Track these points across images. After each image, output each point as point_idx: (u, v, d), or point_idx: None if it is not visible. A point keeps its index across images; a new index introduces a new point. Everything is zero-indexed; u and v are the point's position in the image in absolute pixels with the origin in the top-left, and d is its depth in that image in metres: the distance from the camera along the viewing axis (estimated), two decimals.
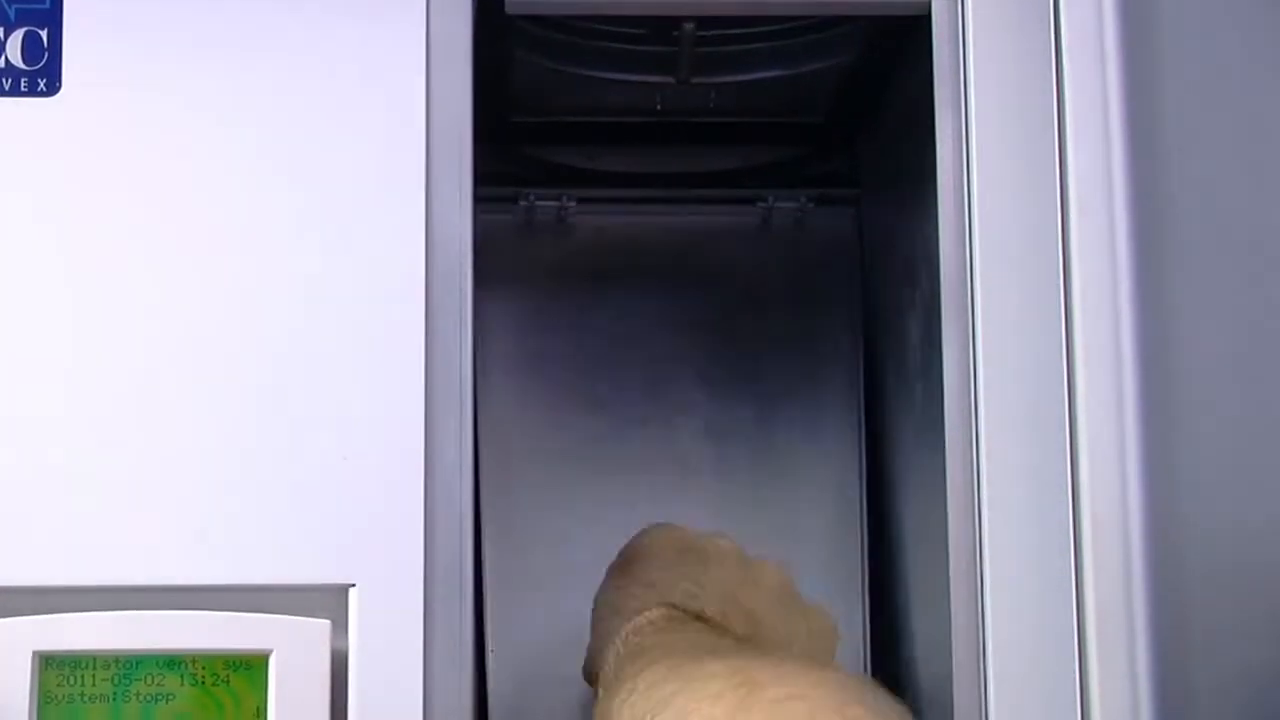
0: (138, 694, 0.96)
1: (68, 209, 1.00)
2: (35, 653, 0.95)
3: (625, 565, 1.24)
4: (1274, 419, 0.99)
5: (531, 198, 1.43)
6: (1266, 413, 0.99)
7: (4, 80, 1.01)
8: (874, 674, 1.40)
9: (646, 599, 1.18)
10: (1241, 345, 0.99)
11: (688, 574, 1.21)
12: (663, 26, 1.23)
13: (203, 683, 0.96)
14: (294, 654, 0.96)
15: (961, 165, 1.04)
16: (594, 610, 1.24)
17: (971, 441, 1.02)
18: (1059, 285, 1.00)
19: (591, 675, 1.20)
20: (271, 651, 0.96)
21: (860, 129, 1.42)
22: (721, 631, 1.15)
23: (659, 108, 1.36)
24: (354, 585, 0.97)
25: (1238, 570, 0.97)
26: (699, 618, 1.17)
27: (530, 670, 1.36)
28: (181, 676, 0.96)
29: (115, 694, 0.96)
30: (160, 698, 0.96)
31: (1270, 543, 0.98)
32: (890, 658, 1.36)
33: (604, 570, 1.31)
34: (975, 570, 1.01)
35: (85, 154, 1.00)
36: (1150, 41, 1.01)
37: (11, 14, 1.01)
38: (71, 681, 0.96)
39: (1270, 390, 0.99)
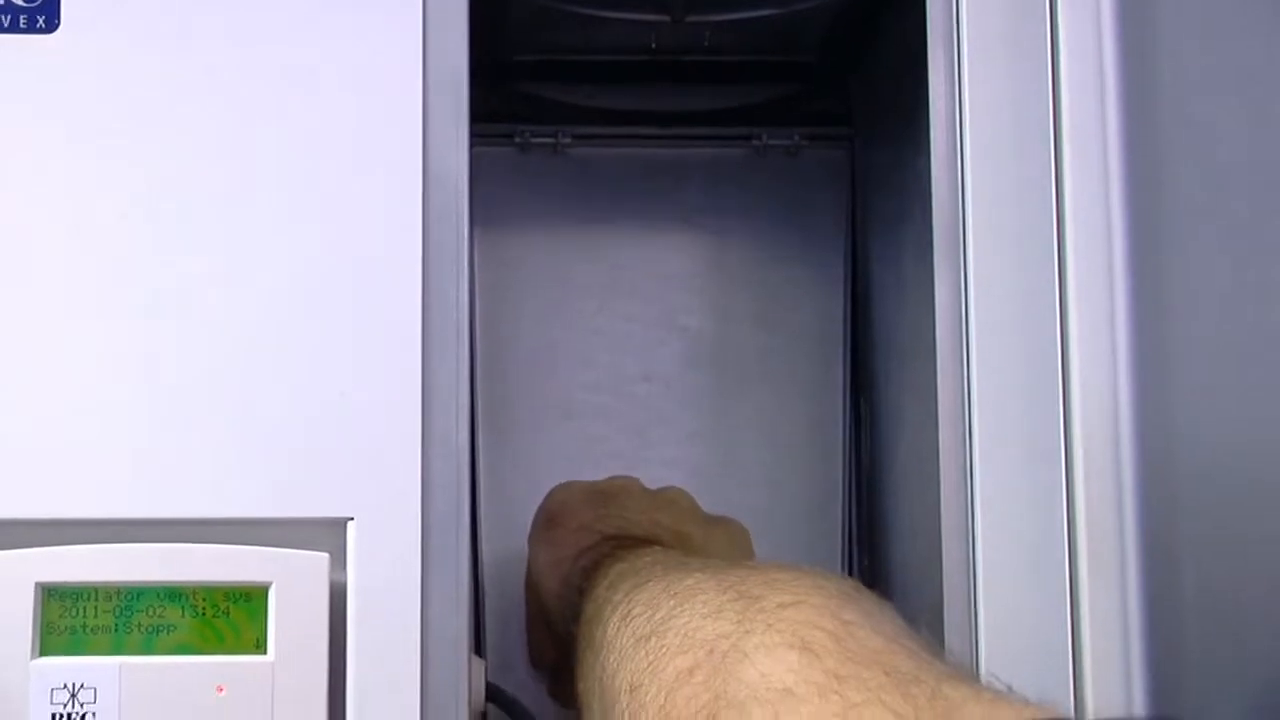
0: (139, 625, 0.95)
1: (66, 143, 1.00)
2: (38, 584, 0.94)
3: (547, 525, 1.24)
4: (1261, 334, 0.99)
5: (527, 134, 1.43)
6: (1253, 328, 0.99)
7: (4, 17, 1.00)
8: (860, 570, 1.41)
9: (583, 538, 1.19)
10: (1230, 262, 1.00)
11: (608, 512, 1.22)
12: None
13: (203, 614, 0.95)
14: (293, 586, 0.96)
15: (954, 102, 1.03)
16: (528, 588, 1.26)
17: (963, 368, 1.02)
18: (1052, 218, 1.00)
19: (538, 656, 1.25)
20: (271, 584, 0.95)
21: (853, 67, 1.41)
22: (669, 550, 1.16)
23: (654, 46, 1.35)
24: (352, 519, 0.97)
25: (1227, 479, 0.98)
26: (640, 543, 1.17)
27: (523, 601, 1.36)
28: (182, 608, 0.95)
29: (117, 625, 0.95)
30: (161, 629, 0.95)
31: (1258, 453, 0.99)
32: (877, 556, 1.38)
33: None
34: (966, 486, 1.01)
35: (83, 90, 1.00)
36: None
37: None
38: (74, 613, 0.95)
39: (1259, 305, 1.00)
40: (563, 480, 1.34)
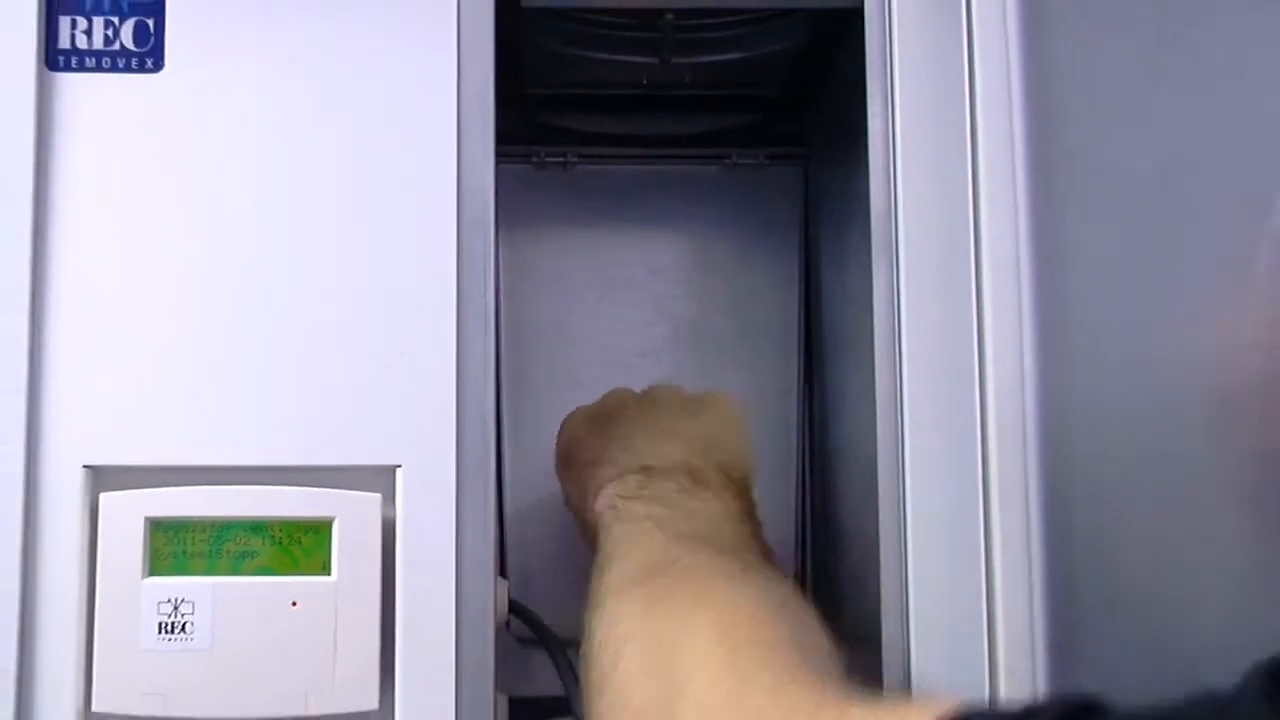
0: (228, 551, 0.99)
1: (170, 160, 1.03)
2: (146, 518, 0.98)
3: (564, 464, 1.25)
4: (1147, 321, 0.99)
5: (542, 154, 1.45)
6: (1140, 316, 0.99)
7: (119, 60, 1.02)
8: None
9: (589, 476, 1.18)
10: (1117, 261, 0.99)
11: (611, 438, 1.20)
12: (648, 17, 1.24)
13: (280, 542, 0.99)
14: (352, 520, 1.00)
15: (889, 129, 1.05)
16: (570, 448, 1.24)
17: (895, 352, 1.03)
18: (969, 225, 1.01)
19: (583, 513, 1.20)
20: (334, 518, 0.99)
21: (807, 101, 1.43)
22: (691, 495, 1.13)
23: (645, 82, 1.37)
24: (400, 466, 1.00)
25: (1115, 426, 0.98)
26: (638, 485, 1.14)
27: (538, 532, 1.39)
28: (264, 538, 0.99)
29: (211, 551, 0.99)
30: (247, 554, 0.99)
31: (1144, 423, 0.98)
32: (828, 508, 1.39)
33: None
34: (898, 453, 1.03)
35: (182, 118, 1.03)
36: (1045, 30, 1.01)
37: (125, 7, 1.02)
38: (176, 542, 0.99)
39: (1145, 295, 0.99)
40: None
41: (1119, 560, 0.98)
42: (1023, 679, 0.97)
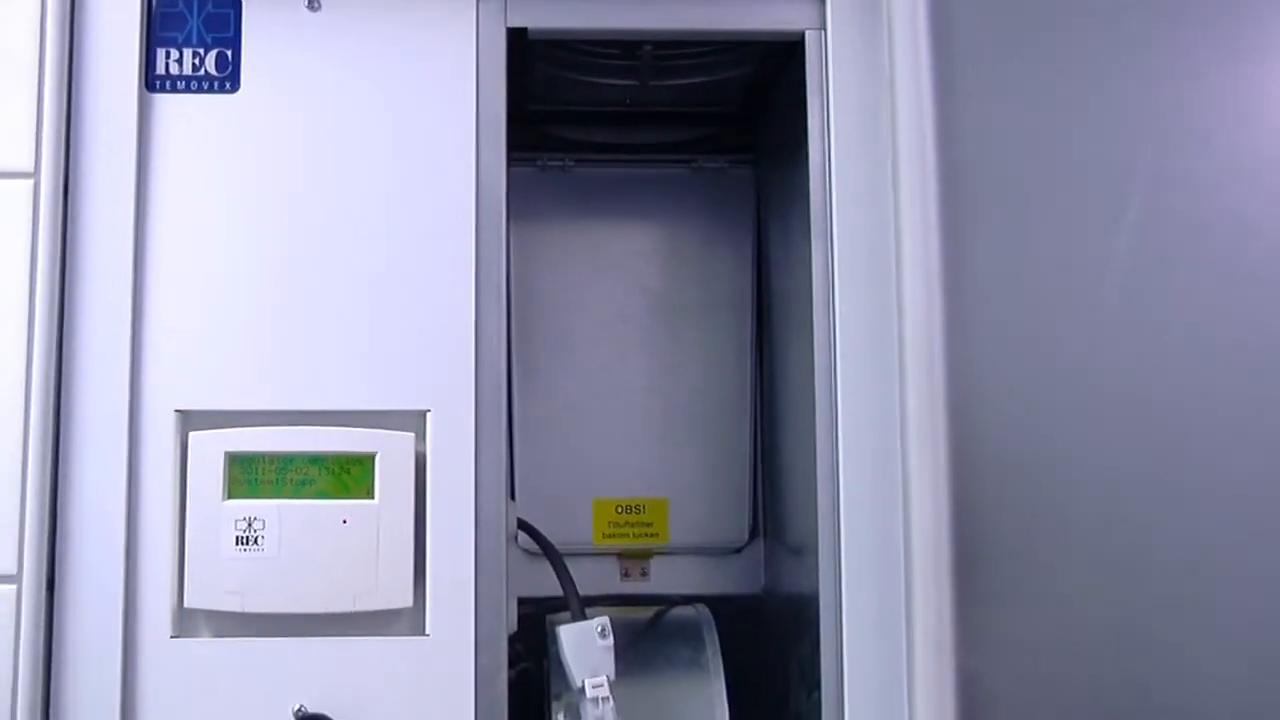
0: (291, 479, 1.02)
1: (244, 164, 1.05)
2: (226, 452, 1.02)
3: None
4: (1037, 302, 1.01)
5: (545, 159, 1.45)
6: (1031, 297, 1.01)
7: (204, 82, 1.05)
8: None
9: None
10: (1012, 248, 1.01)
11: None
12: (630, 48, 1.24)
13: (333, 472, 1.02)
14: (391, 454, 1.02)
15: (824, 140, 1.07)
16: None
17: (830, 319, 1.05)
18: (891, 218, 1.03)
19: None
20: (377, 453, 1.02)
21: (758, 116, 1.42)
22: None
23: (628, 101, 1.37)
24: (429, 410, 1.03)
25: (1009, 404, 1.00)
26: None
27: (545, 455, 1.39)
28: (320, 468, 1.02)
29: (277, 479, 1.02)
30: (306, 482, 1.02)
31: (1034, 386, 1.00)
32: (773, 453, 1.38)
33: (592, 406, 1.33)
34: (832, 406, 1.04)
35: (254, 129, 1.05)
36: (953, 61, 1.02)
37: (208, 40, 1.05)
38: (249, 472, 1.02)
39: (1035, 279, 1.01)
40: (571, 378, 1.37)
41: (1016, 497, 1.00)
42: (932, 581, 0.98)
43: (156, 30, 1.06)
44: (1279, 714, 0.99)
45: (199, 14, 1.06)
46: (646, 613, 1.27)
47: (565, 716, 1.11)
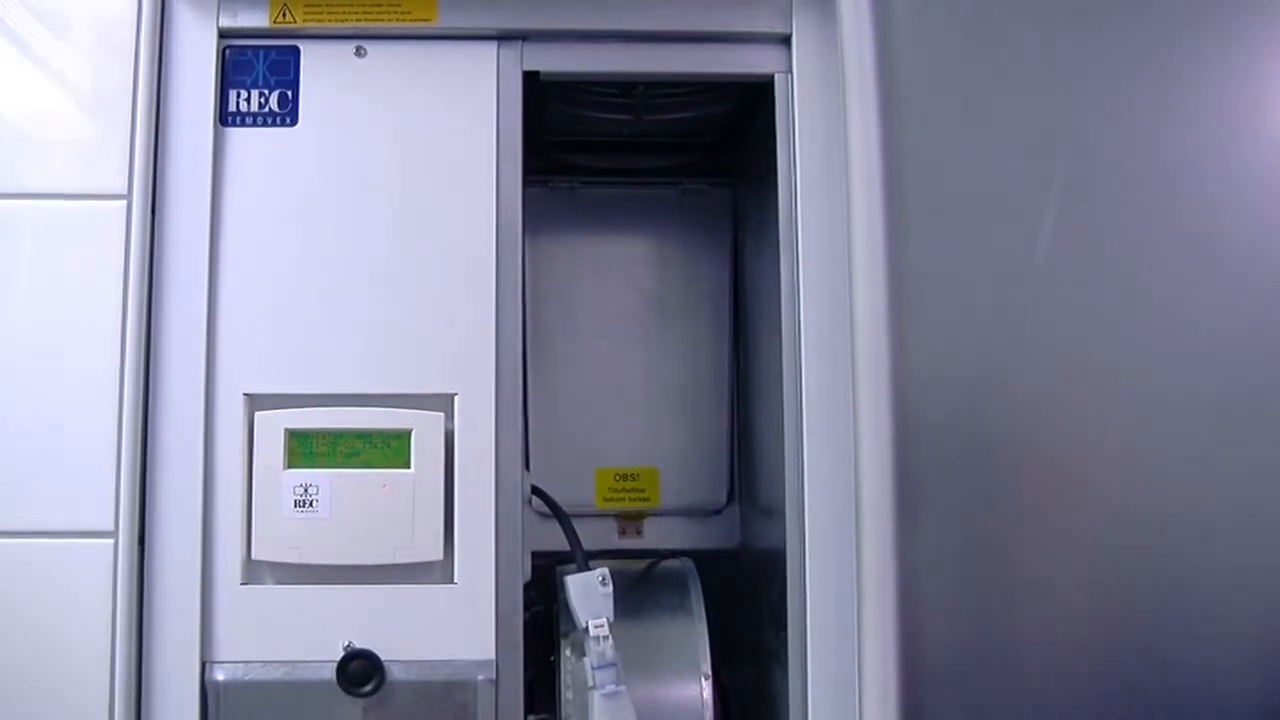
0: (341, 452, 1.03)
1: (303, 186, 1.06)
2: (285, 429, 1.03)
3: None
4: (972, 293, 1.00)
5: (556, 182, 1.44)
6: (968, 289, 1.00)
7: (269, 118, 1.06)
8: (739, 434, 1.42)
9: None
10: (949, 248, 1.01)
11: None
12: (627, 88, 1.25)
13: (376, 445, 1.03)
14: (425, 431, 1.03)
15: (791, 165, 1.07)
16: None
17: (796, 316, 1.06)
18: (846, 228, 1.02)
19: None
20: (412, 430, 1.03)
21: (735, 144, 1.40)
22: None
23: (625, 133, 1.36)
24: (457, 394, 1.04)
25: (947, 372, 1.00)
26: None
27: (554, 431, 1.40)
28: (365, 442, 1.03)
29: (330, 451, 1.03)
30: (354, 453, 1.03)
31: (964, 347, 1.00)
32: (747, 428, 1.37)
33: (595, 389, 1.33)
34: (798, 391, 1.05)
35: (311, 156, 1.06)
36: (897, 97, 1.02)
37: (272, 82, 1.06)
38: (305, 445, 1.03)
39: (969, 274, 1.01)
40: (577, 366, 1.36)
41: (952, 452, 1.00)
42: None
43: (230, 74, 1.07)
44: (1197, 609, 1.00)
45: (264, 61, 1.07)
46: (640, 565, 1.27)
47: (572, 652, 1.12)
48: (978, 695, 0.98)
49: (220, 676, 1.01)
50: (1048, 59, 1.05)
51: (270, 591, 1.02)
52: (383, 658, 1.00)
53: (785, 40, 1.10)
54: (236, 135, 1.06)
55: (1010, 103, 1.04)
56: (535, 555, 1.11)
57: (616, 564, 1.15)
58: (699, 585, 1.23)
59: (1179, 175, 1.04)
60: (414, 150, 1.07)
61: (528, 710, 1.06)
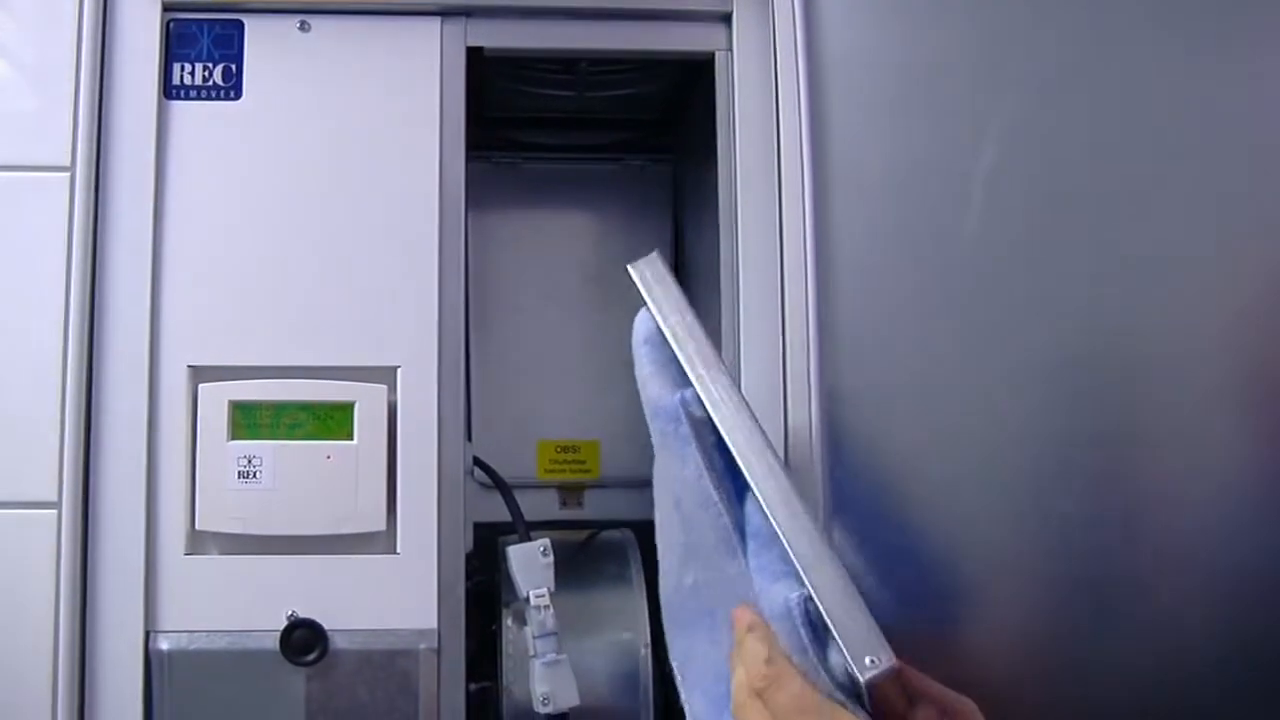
0: (284, 423, 1.02)
1: (245, 158, 1.05)
2: (229, 401, 1.02)
3: None
4: (891, 284, 1.01)
5: (499, 157, 1.44)
6: (885, 281, 1.01)
7: (213, 91, 1.05)
8: None
9: None
10: (870, 237, 1.01)
11: None
12: (569, 64, 1.25)
13: (319, 417, 1.02)
14: (368, 403, 1.03)
15: (730, 142, 1.07)
16: None
17: (735, 285, 1.06)
18: (775, 208, 1.02)
19: None
20: (356, 401, 1.03)
21: (678, 119, 1.41)
22: None
23: (569, 109, 1.37)
24: (400, 366, 1.04)
25: (872, 359, 1.00)
26: None
27: (496, 403, 1.39)
28: (308, 414, 1.02)
29: (273, 423, 1.02)
30: (297, 425, 1.02)
31: (892, 339, 1.00)
32: None
33: (536, 362, 1.33)
34: (735, 353, 1.04)
35: (254, 130, 1.05)
36: (824, 79, 1.02)
37: (216, 56, 1.05)
38: (248, 417, 1.02)
39: (891, 266, 1.01)
40: (519, 339, 1.36)
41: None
42: None
43: (174, 47, 1.06)
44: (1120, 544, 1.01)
45: (209, 34, 1.06)
46: (581, 535, 1.28)
47: (513, 622, 1.12)
48: None
49: (164, 646, 1.00)
50: (982, 38, 1.05)
51: (214, 562, 1.02)
52: (326, 627, 1.00)
53: (726, 19, 1.09)
54: (181, 108, 1.06)
55: (944, 82, 1.04)
56: (477, 526, 1.11)
57: (558, 535, 1.14)
58: (639, 556, 1.23)
59: (1114, 154, 1.03)
60: (357, 124, 1.06)
61: (469, 679, 1.06)
